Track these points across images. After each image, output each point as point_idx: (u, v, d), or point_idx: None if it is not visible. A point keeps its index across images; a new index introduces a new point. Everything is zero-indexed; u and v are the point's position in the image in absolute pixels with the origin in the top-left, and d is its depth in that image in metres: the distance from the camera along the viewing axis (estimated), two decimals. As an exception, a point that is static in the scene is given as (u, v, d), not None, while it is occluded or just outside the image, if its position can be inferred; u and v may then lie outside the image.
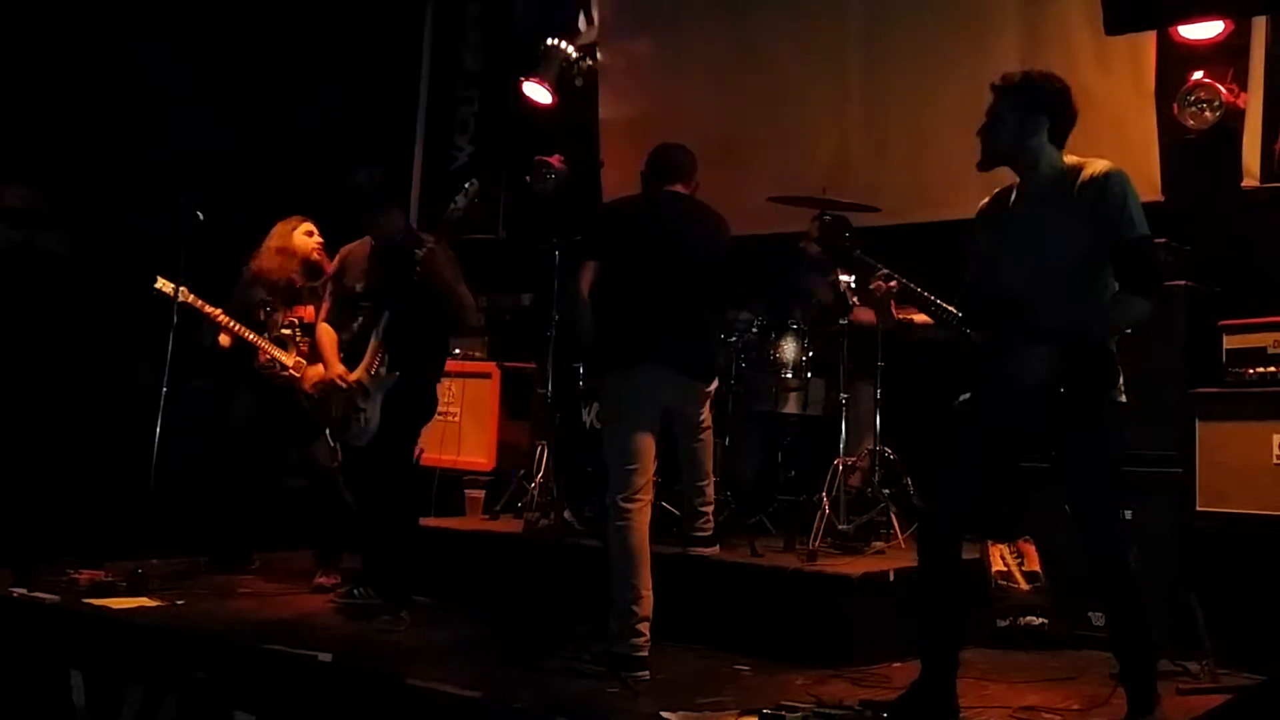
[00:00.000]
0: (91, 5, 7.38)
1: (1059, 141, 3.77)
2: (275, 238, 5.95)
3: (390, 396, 5.07)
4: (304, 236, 5.95)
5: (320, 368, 5.55)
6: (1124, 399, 3.71)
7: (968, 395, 3.87)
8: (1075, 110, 3.77)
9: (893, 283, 3.88)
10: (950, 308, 3.86)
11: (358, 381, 5.09)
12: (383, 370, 5.06)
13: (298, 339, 5.90)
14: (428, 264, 4.96)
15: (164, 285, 5.71)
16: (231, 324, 5.76)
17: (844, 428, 5.49)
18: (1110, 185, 3.65)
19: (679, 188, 4.81)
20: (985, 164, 3.83)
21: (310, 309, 5.91)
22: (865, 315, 5.60)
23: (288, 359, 5.87)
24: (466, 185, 5.13)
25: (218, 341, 5.81)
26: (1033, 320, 3.68)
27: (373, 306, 5.16)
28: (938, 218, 5.67)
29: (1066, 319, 3.64)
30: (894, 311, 3.95)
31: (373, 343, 5.08)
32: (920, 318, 3.96)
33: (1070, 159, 3.78)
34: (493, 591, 5.44)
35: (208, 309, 5.75)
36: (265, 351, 5.84)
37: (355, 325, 5.25)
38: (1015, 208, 3.82)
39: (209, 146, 7.65)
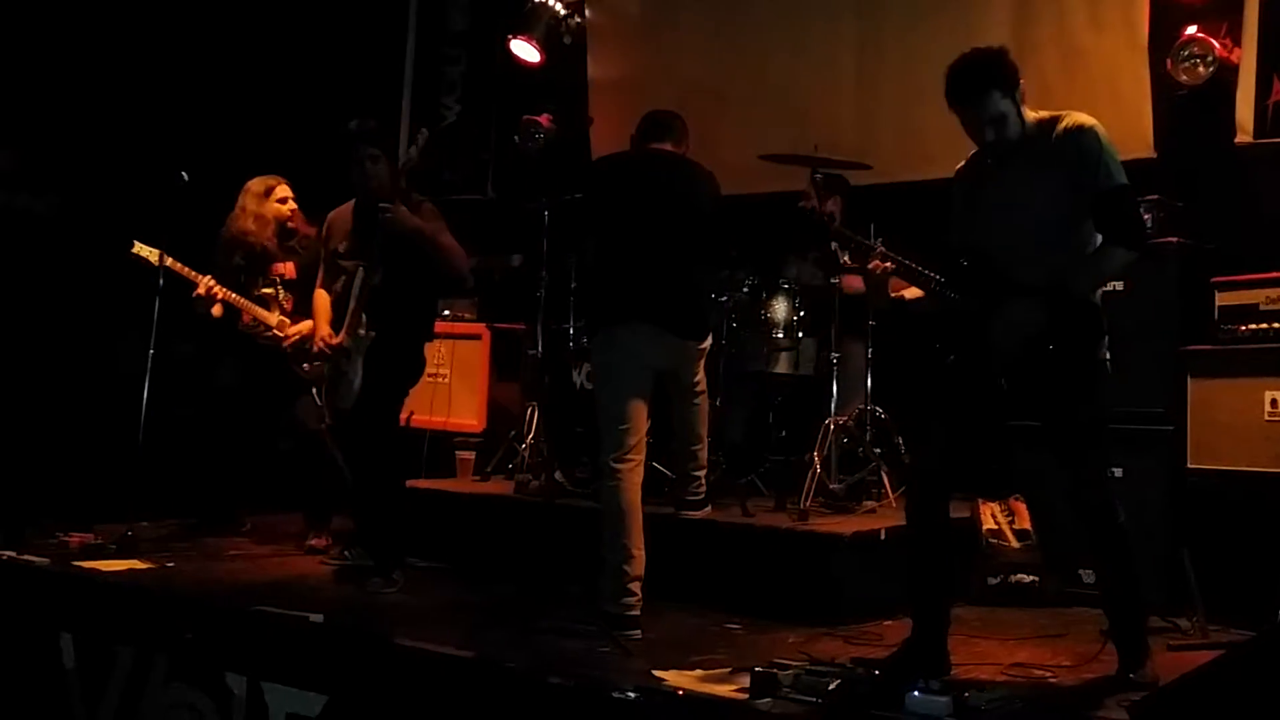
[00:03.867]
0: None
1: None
2: (250, 201, 5.88)
3: (373, 357, 5.01)
4: (277, 204, 5.89)
5: (304, 325, 5.58)
6: (1107, 353, 3.71)
7: (954, 356, 3.87)
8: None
9: (889, 264, 3.86)
10: (939, 276, 3.84)
11: (339, 344, 5.06)
12: (361, 330, 5.01)
13: (280, 297, 5.87)
14: (395, 221, 4.90)
15: (142, 250, 5.64)
16: (216, 289, 5.72)
17: (835, 387, 5.48)
18: (1084, 137, 3.65)
19: (667, 146, 4.78)
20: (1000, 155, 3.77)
21: (290, 265, 5.88)
22: (854, 282, 5.59)
23: (271, 319, 5.83)
24: (416, 135, 5.08)
25: (210, 313, 5.77)
26: (1016, 279, 3.68)
27: (353, 266, 5.12)
28: (929, 175, 5.63)
29: (1049, 275, 3.63)
30: (889, 291, 3.94)
31: (351, 303, 5.04)
32: (911, 291, 3.95)
33: (1040, 113, 3.75)
34: (484, 553, 5.44)
35: (191, 274, 5.70)
36: (249, 313, 5.81)
37: (338, 286, 5.21)
38: (993, 168, 3.79)
39: (193, 107, 7.57)
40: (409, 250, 4.94)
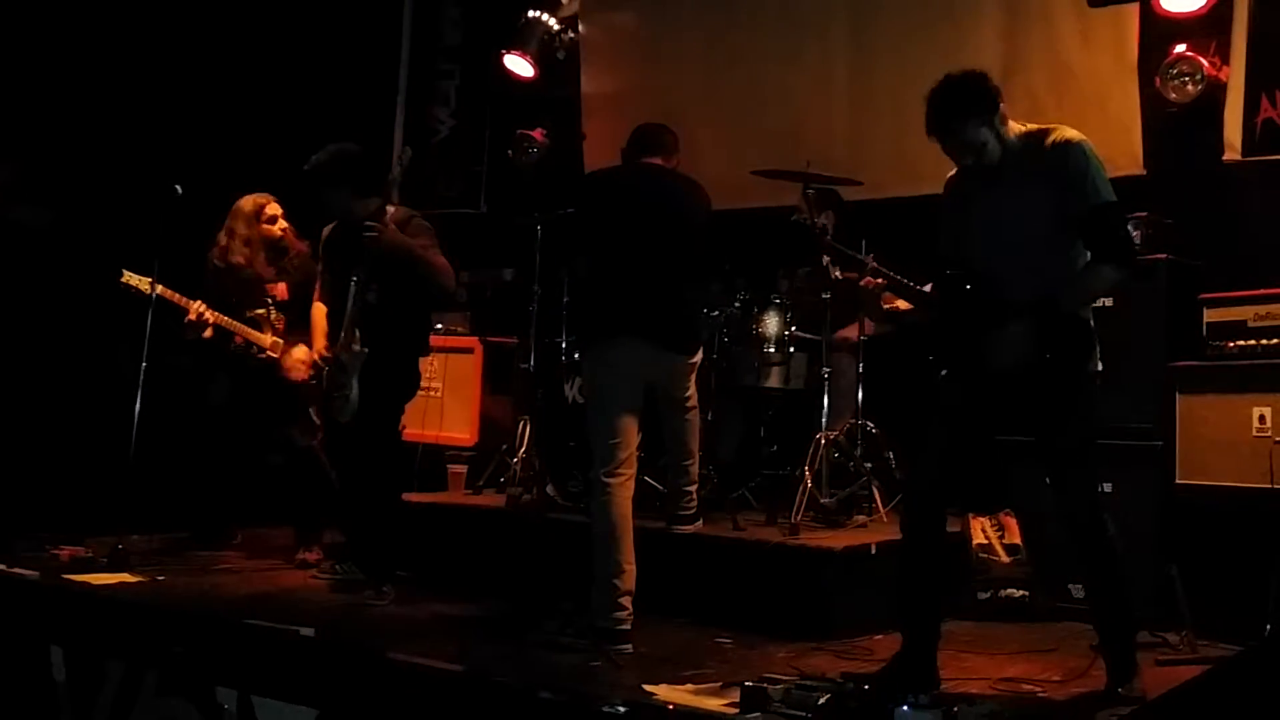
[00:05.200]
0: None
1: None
2: (240, 225, 5.86)
3: (369, 372, 5.03)
4: (265, 225, 5.88)
5: (301, 349, 5.61)
6: (1099, 368, 3.73)
7: (946, 371, 3.88)
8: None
9: (880, 279, 3.88)
10: (930, 291, 3.86)
11: (335, 358, 5.07)
12: (355, 346, 5.02)
13: (272, 318, 5.87)
14: (379, 240, 4.89)
15: (132, 279, 5.60)
16: (207, 314, 5.70)
17: (826, 401, 5.49)
18: (1071, 152, 3.66)
19: (658, 160, 4.80)
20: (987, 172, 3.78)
21: (283, 286, 5.88)
22: (849, 333, 5.64)
23: (264, 340, 5.83)
24: (398, 154, 5.13)
25: (201, 336, 5.76)
26: (1006, 295, 3.69)
27: (346, 285, 5.13)
28: (920, 191, 5.64)
29: (1039, 290, 3.65)
30: (882, 305, 3.96)
31: (346, 319, 5.06)
32: (902, 304, 3.96)
33: (1026, 126, 3.77)
34: (475, 566, 5.44)
35: (182, 301, 5.69)
36: (241, 335, 5.80)
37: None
38: (981, 183, 3.81)
39: (189, 121, 7.58)
40: (399, 267, 4.96)
